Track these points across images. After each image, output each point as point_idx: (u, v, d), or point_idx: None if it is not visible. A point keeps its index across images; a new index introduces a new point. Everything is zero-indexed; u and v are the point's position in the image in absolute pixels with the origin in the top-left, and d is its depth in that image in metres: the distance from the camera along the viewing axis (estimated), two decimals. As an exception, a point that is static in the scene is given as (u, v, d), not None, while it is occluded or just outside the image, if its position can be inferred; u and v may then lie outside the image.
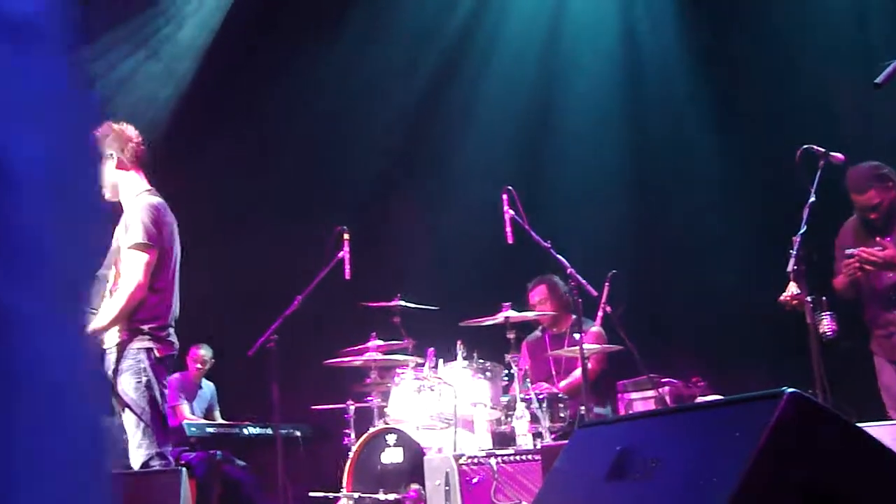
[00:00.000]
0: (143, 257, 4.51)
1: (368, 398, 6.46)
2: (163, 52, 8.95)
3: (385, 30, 9.21)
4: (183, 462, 7.26)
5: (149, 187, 4.75)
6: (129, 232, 4.53)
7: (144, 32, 8.86)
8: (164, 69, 8.99)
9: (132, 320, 4.54)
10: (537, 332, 7.25)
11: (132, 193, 4.70)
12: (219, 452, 7.46)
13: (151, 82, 8.93)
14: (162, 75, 9.01)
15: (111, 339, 4.55)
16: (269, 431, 7.62)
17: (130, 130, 4.75)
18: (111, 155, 4.65)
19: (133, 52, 8.79)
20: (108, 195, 4.63)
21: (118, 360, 4.50)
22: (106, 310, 4.50)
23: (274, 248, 8.64)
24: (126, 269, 4.52)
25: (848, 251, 5.32)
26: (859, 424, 2.60)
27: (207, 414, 8.43)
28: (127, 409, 4.47)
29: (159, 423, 4.54)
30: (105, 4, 8.30)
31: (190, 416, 8.09)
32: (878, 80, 3.17)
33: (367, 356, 6.34)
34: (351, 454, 6.01)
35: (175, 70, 9.05)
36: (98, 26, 8.36)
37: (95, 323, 4.47)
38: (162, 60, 8.96)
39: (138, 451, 4.44)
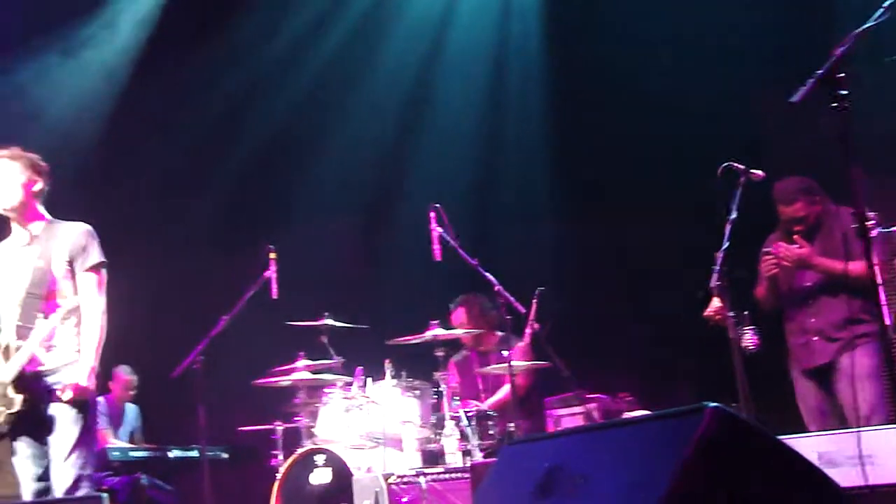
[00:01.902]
0: (100, 278, 4.68)
1: (296, 418, 6.40)
2: (90, 65, 8.83)
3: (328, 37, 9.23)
4: (105, 487, 7.11)
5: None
6: (84, 253, 4.64)
7: (75, 40, 8.75)
8: (89, 83, 8.87)
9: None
10: (464, 350, 7.26)
11: (44, 219, 4.77)
12: (143, 476, 7.32)
13: (77, 94, 8.81)
14: (88, 88, 8.88)
15: (62, 357, 4.55)
16: (195, 454, 7.48)
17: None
18: (35, 181, 4.71)
19: (61, 60, 8.68)
20: (11, 209, 4.67)
21: (65, 378, 4.51)
22: (88, 341, 4.54)
23: (200, 267, 8.53)
24: (89, 292, 4.62)
25: (766, 249, 5.44)
26: (780, 437, 2.64)
27: (131, 438, 8.26)
28: (62, 427, 4.47)
29: (92, 446, 4.61)
30: (36, 10, 8.19)
31: (112, 440, 7.91)
32: (794, 98, 3.24)
33: (294, 376, 6.28)
34: (278, 475, 5.94)
35: (100, 84, 8.93)
36: (28, 31, 8.26)
37: (86, 362, 4.50)
38: (88, 73, 8.84)
39: (70, 471, 4.44)
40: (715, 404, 2.27)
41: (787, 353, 5.59)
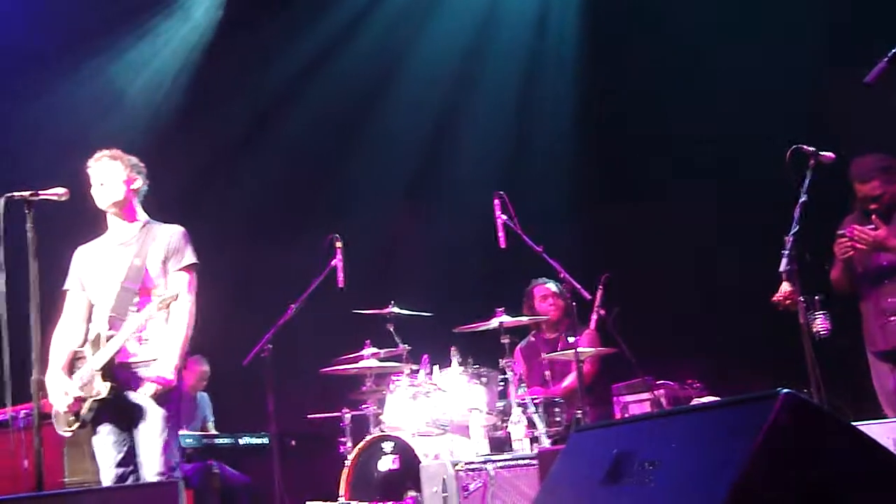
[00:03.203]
0: (192, 278, 4.84)
1: (364, 406, 6.46)
2: (165, 53, 8.99)
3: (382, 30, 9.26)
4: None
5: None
6: (178, 254, 4.83)
7: (152, 27, 8.92)
8: (158, 73, 9.03)
9: None
10: (530, 337, 7.24)
11: (142, 218, 4.96)
12: (214, 463, 7.44)
13: (145, 87, 8.98)
14: (154, 81, 9.04)
15: (154, 351, 4.70)
16: (265, 441, 7.59)
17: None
18: (135, 179, 4.92)
19: (139, 49, 8.85)
20: (114, 204, 4.86)
21: (151, 372, 4.64)
22: (175, 338, 4.67)
23: (267, 256, 8.62)
24: (180, 290, 4.74)
25: (840, 231, 5.32)
26: (854, 423, 2.60)
27: (203, 425, 8.40)
28: (151, 419, 4.60)
29: (177, 435, 4.77)
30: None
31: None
32: (868, 78, 3.18)
33: (361, 364, 6.33)
34: (347, 462, 6.00)
35: (167, 75, 9.08)
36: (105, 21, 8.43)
37: (171, 358, 4.63)
38: (164, 62, 9.00)
39: (160, 461, 4.56)
40: (787, 390, 2.24)
41: (861, 337, 5.48)
